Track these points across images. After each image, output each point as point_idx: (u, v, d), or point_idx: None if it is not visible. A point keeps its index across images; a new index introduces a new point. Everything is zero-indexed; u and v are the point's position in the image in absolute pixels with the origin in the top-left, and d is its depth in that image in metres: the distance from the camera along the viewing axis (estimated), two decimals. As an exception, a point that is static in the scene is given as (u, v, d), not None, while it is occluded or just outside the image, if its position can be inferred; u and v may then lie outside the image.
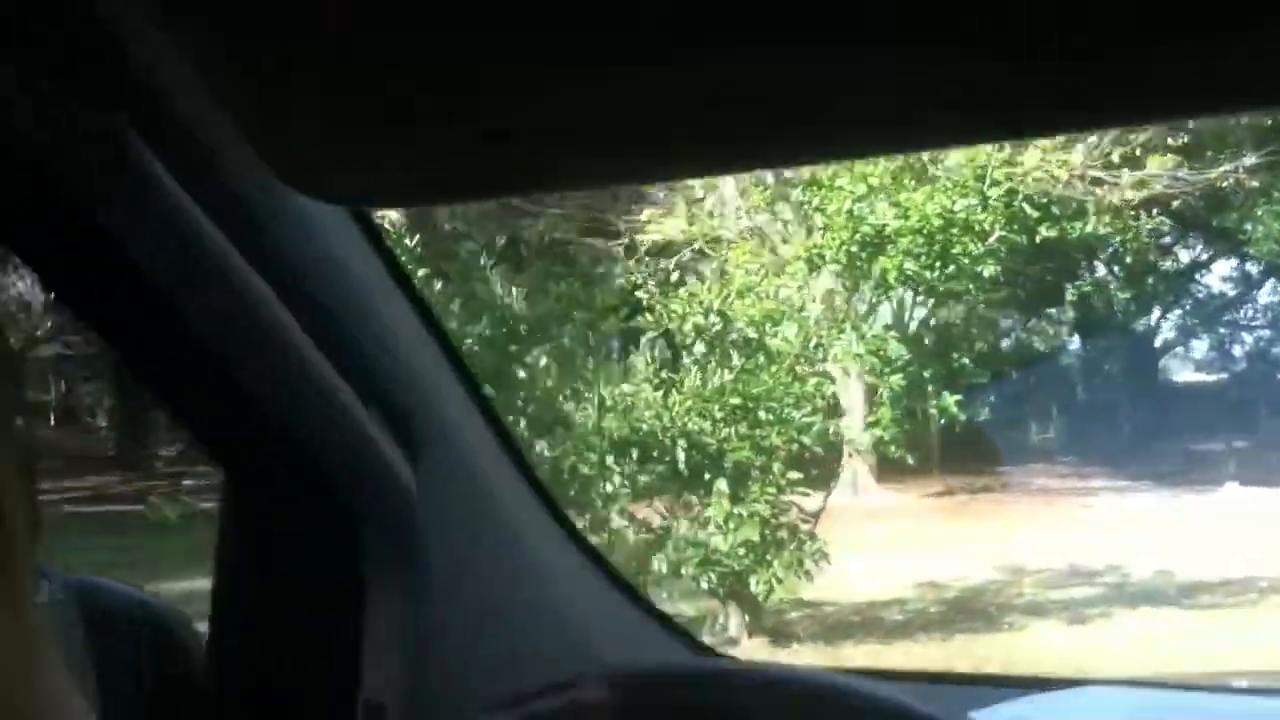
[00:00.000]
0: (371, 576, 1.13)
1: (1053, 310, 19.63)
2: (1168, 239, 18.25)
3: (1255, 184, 15.26)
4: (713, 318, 7.37)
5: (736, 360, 7.27)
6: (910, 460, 19.01)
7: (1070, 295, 18.44)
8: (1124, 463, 18.29)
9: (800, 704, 0.70)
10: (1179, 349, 21.19)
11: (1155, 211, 15.96)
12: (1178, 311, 20.12)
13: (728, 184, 8.13)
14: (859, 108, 0.52)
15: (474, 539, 1.24)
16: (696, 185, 8.41)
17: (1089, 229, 14.46)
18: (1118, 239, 16.74)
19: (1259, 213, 16.24)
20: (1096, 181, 14.35)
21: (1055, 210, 10.13)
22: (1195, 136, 14.86)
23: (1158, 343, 20.87)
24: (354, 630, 1.11)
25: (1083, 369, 21.10)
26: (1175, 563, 11.81)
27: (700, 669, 0.84)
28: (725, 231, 8.32)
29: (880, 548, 13.11)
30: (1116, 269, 17.69)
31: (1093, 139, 13.75)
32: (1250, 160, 14.89)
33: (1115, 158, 14.02)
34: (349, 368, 1.09)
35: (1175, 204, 14.97)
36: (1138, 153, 14.01)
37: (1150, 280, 18.15)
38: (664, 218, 8.12)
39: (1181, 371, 22.04)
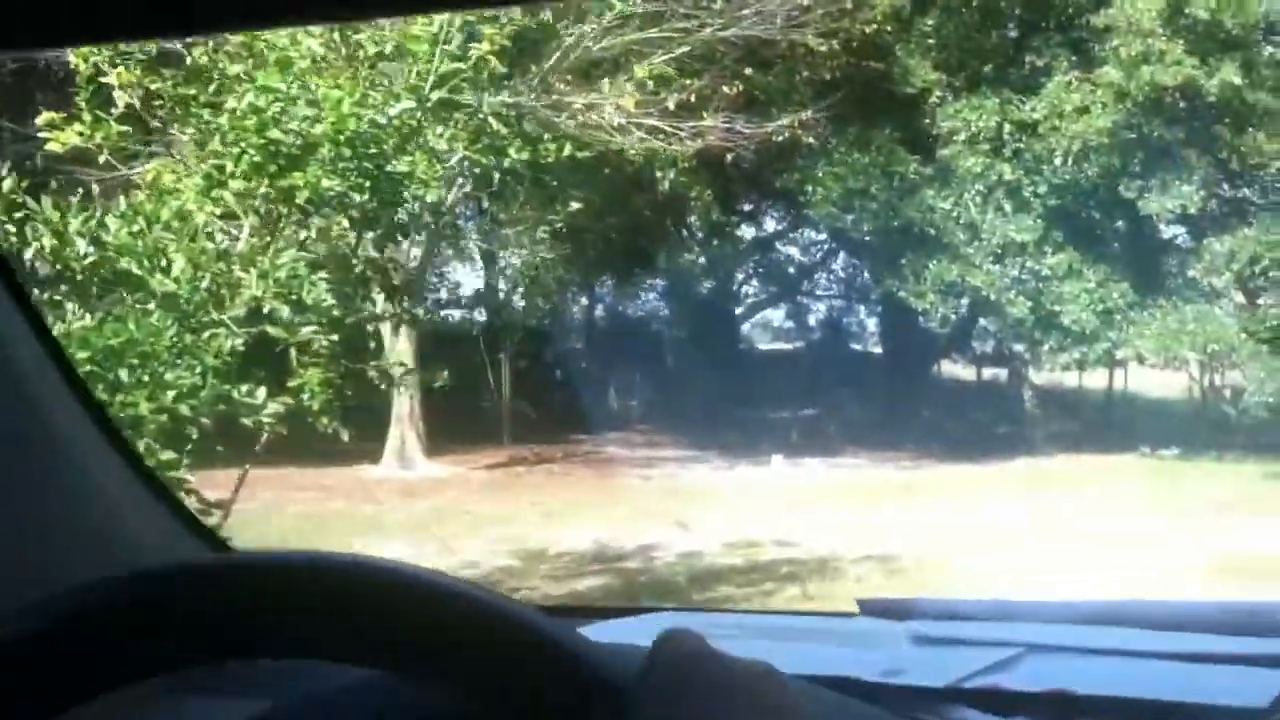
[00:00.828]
0: None
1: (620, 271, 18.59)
2: (739, 201, 17.55)
3: (812, 140, 14.60)
4: (81, 246, 5.67)
5: (102, 301, 5.64)
6: (474, 428, 18.25)
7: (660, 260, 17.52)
8: (693, 432, 17.50)
9: (325, 587, 0.67)
10: (759, 316, 20.57)
11: (715, 167, 15.18)
12: (755, 278, 19.48)
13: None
14: None
15: (21, 457, 1.23)
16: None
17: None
18: (692, 196, 15.87)
19: (819, 173, 15.65)
20: (653, 130, 13.33)
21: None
22: (752, 87, 14.04)
23: (739, 309, 20.22)
24: None
25: (669, 335, 20.28)
26: (710, 542, 10.99)
27: (216, 563, 0.78)
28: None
29: (405, 528, 11.76)
30: (693, 228, 16.82)
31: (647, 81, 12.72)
32: (808, 115, 14.19)
33: (671, 105, 13.02)
34: None
35: (730, 158, 14.09)
36: (692, 100, 13.06)
37: (722, 244, 17.36)
38: (66, 123, 6.34)
39: (762, 340, 21.56)
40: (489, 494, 14.16)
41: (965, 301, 16.62)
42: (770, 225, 18.84)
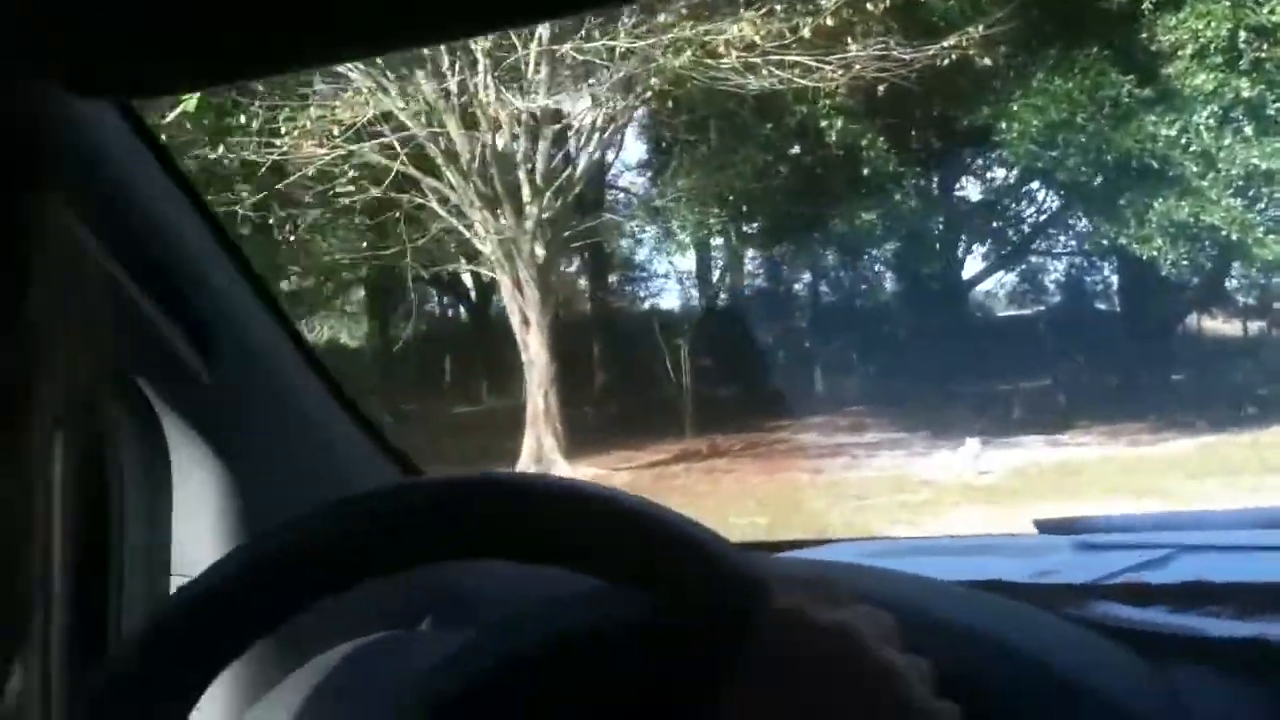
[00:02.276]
0: (183, 466, 1.33)
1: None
2: (913, 144, 15.24)
3: (988, 61, 12.31)
4: None
5: None
6: (648, 422, 16.54)
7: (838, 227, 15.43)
8: (904, 413, 15.74)
9: (534, 508, 0.78)
10: (962, 277, 18.10)
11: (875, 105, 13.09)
12: (958, 234, 17.06)
13: None
14: None
15: (270, 421, 1.39)
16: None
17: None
18: (863, 144, 13.82)
19: (1011, 105, 13.31)
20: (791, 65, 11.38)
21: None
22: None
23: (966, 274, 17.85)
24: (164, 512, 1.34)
25: (859, 306, 18.14)
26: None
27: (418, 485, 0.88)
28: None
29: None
30: (868, 182, 14.63)
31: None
32: (978, 31, 11.94)
33: (807, 33, 11.04)
34: (140, 275, 1.18)
35: (886, 90, 11.96)
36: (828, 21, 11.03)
37: (904, 198, 15.05)
38: None
39: (997, 306, 19.23)
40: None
41: (1203, 245, 13.93)
42: (958, 172, 16.37)
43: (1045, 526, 1.47)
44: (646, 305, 19.44)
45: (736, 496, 11.96)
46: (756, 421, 15.98)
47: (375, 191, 12.71)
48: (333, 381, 1.49)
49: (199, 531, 1.34)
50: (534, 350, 12.85)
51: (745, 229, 16.36)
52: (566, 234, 13.58)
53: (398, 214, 13.03)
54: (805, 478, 13.13)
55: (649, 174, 17.05)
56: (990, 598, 1.06)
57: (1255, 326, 17.30)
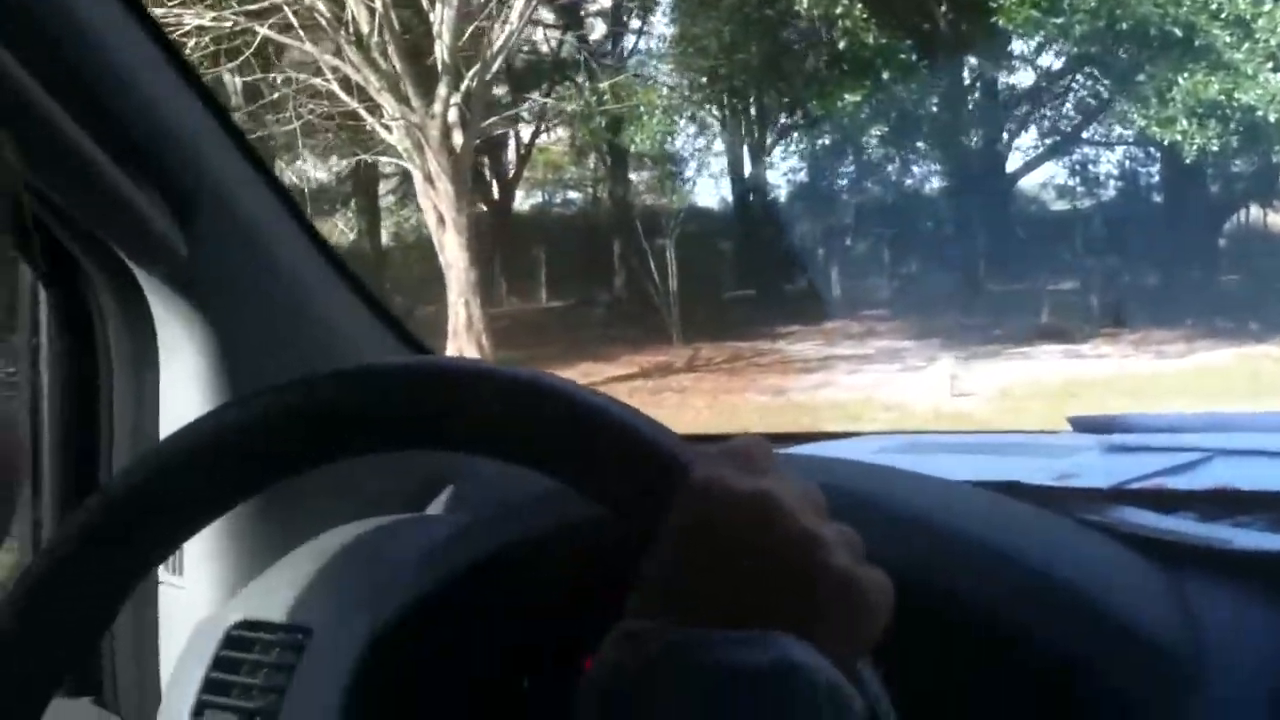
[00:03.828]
0: (169, 342, 1.31)
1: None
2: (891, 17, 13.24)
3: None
4: None
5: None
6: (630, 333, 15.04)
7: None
8: (913, 320, 14.32)
9: (517, 396, 0.72)
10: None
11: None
12: (986, 122, 15.00)
13: None
14: None
15: (258, 296, 1.33)
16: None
17: None
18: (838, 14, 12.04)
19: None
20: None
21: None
22: None
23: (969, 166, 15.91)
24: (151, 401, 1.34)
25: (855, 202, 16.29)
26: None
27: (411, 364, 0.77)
28: None
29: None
30: (846, 58, 12.74)
31: None
32: None
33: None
34: (115, 141, 1.12)
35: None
36: None
37: (892, 77, 13.13)
38: None
39: (1013, 202, 17.22)
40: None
41: (1237, 127, 11.96)
42: (950, 47, 14.27)
43: (1080, 424, 1.40)
44: (591, 202, 17.83)
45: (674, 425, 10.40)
46: (728, 333, 14.47)
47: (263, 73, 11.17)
48: (332, 255, 1.45)
49: (187, 410, 1.27)
50: (451, 253, 11.27)
51: (718, 112, 14.61)
52: (495, 119, 11.94)
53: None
54: (763, 400, 11.52)
55: (606, 48, 15.28)
56: (999, 499, 1.05)
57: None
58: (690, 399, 11.52)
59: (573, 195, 19.39)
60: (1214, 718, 0.86)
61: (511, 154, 17.78)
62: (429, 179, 11.18)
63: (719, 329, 14.58)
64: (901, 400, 10.96)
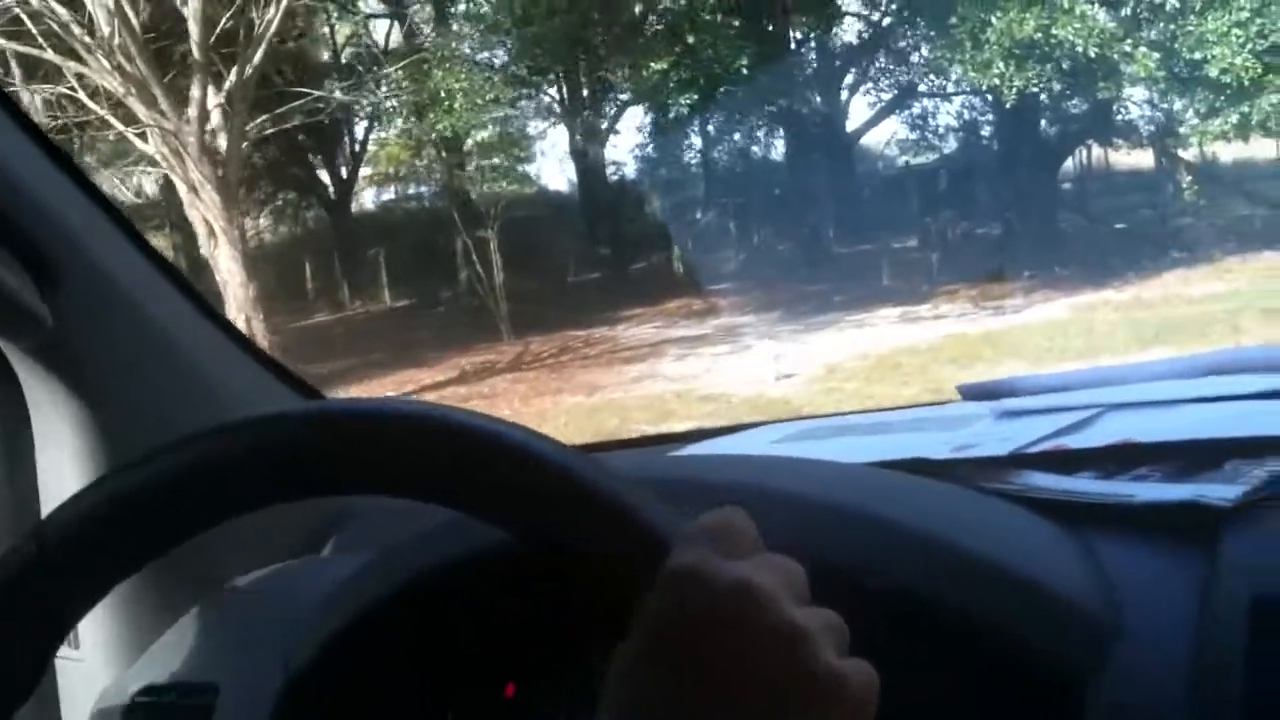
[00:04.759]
0: (44, 420, 1.26)
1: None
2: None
3: None
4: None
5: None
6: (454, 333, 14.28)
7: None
8: (766, 293, 13.66)
9: (405, 432, 0.71)
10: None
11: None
12: (795, 75, 14.30)
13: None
14: None
15: (129, 354, 1.29)
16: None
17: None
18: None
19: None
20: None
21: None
22: None
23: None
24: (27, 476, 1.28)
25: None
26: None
27: (305, 411, 0.76)
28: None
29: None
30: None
31: None
32: None
33: None
34: None
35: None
36: None
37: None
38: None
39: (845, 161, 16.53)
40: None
41: (1058, 66, 11.39)
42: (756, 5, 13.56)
43: (969, 392, 1.43)
44: (434, 195, 17.01)
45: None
46: (568, 323, 13.75)
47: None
48: (206, 306, 1.42)
49: (68, 486, 1.23)
50: (225, 267, 10.33)
51: (527, 91, 13.81)
52: (265, 118, 11.01)
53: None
54: (575, 400, 10.75)
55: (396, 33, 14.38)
56: (902, 478, 1.05)
57: (1139, 160, 14.73)
58: (499, 404, 10.70)
59: (417, 189, 18.58)
60: (1136, 673, 0.85)
61: (347, 151, 16.94)
62: (193, 189, 10.24)
63: (558, 320, 13.88)
64: (723, 389, 10.26)
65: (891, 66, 14.95)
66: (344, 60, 14.70)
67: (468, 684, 0.98)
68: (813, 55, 14.57)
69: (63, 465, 1.26)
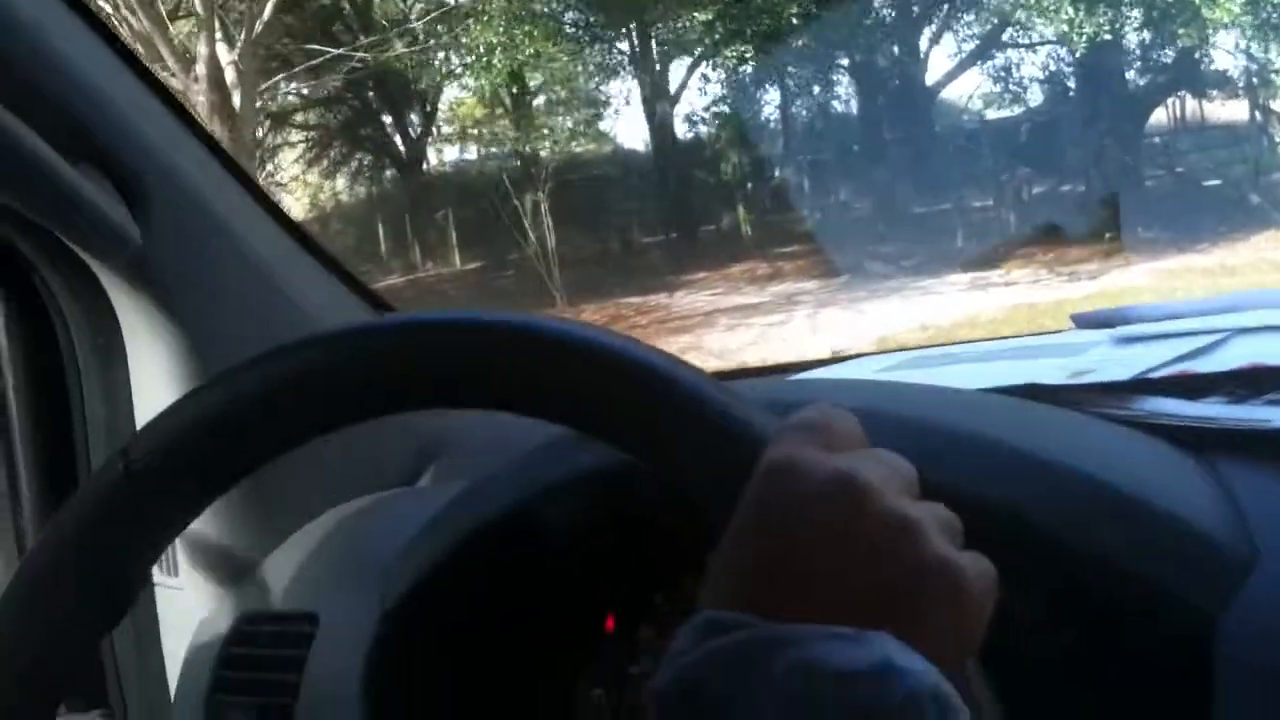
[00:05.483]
0: (134, 334, 1.26)
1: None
2: None
3: None
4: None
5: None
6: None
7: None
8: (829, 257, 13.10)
9: (485, 340, 0.69)
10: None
11: None
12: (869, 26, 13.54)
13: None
14: None
15: (217, 273, 1.29)
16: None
17: None
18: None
19: None
20: None
21: None
22: None
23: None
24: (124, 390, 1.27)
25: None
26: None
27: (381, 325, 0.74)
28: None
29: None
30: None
31: None
32: None
33: None
34: (57, 130, 1.09)
35: None
36: None
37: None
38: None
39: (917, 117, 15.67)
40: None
41: (1126, 13, 10.57)
42: None
43: (1083, 320, 1.37)
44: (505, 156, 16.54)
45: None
46: (629, 287, 13.46)
47: None
48: (294, 226, 1.43)
49: (161, 402, 1.09)
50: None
51: (592, 45, 13.26)
52: (280, 76, 10.63)
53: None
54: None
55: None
56: (1018, 403, 1.01)
57: (1234, 113, 13.73)
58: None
59: (486, 150, 18.20)
60: (1268, 612, 0.79)
61: (417, 110, 16.63)
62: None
63: (619, 285, 13.48)
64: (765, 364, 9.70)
65: (977, 17, 14.15)
66: (412, 16, 14.24)
67: (567, 616, 0.96)
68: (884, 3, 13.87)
69: (154, 381, 1.26)
